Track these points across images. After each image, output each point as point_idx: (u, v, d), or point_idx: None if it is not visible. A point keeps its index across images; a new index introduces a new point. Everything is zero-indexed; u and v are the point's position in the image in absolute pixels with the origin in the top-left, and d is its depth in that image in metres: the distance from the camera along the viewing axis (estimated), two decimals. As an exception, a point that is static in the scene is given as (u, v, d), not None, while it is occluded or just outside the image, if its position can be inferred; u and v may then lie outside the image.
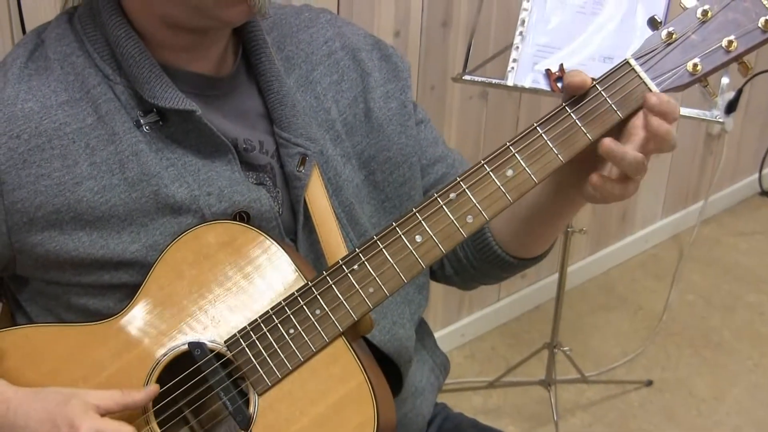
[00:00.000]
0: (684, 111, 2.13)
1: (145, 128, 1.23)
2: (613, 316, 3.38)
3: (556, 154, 1.16)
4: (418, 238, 1.19)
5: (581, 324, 3.32)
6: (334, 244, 1.30)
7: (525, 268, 1.43)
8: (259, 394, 1.20)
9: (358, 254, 1.20)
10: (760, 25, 1.14)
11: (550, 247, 1.42)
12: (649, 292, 3.51)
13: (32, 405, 1.17)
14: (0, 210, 1.20)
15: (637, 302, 3.45)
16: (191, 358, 1.21)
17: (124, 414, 1.19)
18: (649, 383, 3.03)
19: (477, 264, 1.43)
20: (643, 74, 1.15)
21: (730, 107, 3.32)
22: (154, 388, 1.20)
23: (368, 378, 1.19)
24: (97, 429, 1.13)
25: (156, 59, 1.23)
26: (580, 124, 1.15)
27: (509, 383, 3.00)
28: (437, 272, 1.51)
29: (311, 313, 1.20)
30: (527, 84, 2.17)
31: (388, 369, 1.33)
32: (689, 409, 2.92)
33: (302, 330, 1.20)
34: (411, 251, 1.19)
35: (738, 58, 1.16)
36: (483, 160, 1.17)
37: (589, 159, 1.17)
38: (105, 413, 1.16)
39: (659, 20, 1.17)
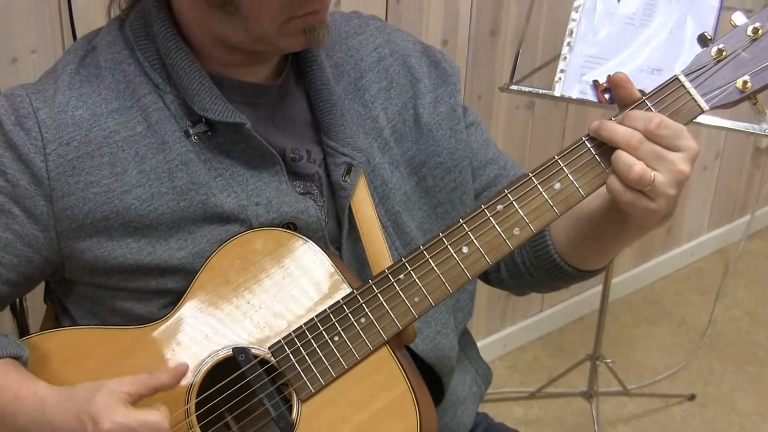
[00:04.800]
0: (732, 124, 2.12)
1: (194, 138, 1.24)
2: (657, 329, 3.36)
3: (604, 168, 1.16)
4: (465, 249, 1.19)
5: (624, 336, 3.29)
6: (379, 253, 1.30)
7: (581, 280, 1.41)
8: (303, 401, 1.21)
9: (404, 264, 1.20)
10: (811, 42, 1.13)
11: (610, 261, 1.40)
12: (693, 305, 3.48)
13: (65, 405, 1.16)
14: (50, 216, 1.21)
15: (681, 316, 3.42)
16: (235, 363, 1.21)
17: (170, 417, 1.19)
18: (692, 398, 3.00)
19: (534, 270, 1.42)
20: (692, 90, 1.15)
21: (779, 121, 3.29)
22: (182, 367, 1.18)
23: (411, 387, 1.20)
24: (120, 423, 1.10)
25: (206, 70, 1.24)
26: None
27: (551, 394, 2.99)
28: (491, 275, 1.50)
29: (356, 321, 1.20)
30: (574, 95, 2.16)
31: (430, 378, 1.33)
32: (732, 425, 2.89)
33: (347, 338, 1.20)
34: (457, 262, 1.19)
35: (789, 76, 1.15)
36: (531, 172, 1.17)
37: None
38: (137, 398, 1.14)
39: (709, 37, 1.16)
